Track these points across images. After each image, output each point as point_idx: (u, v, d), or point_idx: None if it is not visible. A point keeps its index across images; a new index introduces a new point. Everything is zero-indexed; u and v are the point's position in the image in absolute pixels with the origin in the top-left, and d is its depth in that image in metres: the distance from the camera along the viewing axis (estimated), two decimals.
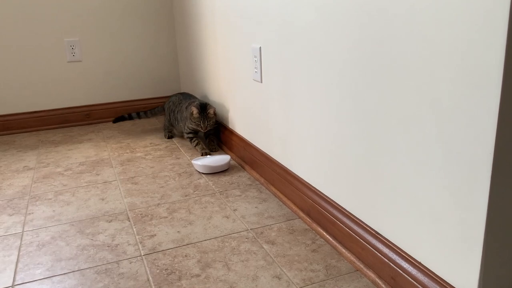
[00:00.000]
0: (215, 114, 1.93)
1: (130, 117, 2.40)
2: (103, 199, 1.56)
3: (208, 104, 1.94)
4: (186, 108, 2.00)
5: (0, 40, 2.31)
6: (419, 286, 0.90)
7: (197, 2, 2.12)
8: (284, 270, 1.11)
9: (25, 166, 1.91)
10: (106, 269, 1.15)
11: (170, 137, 2.21)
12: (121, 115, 2.43)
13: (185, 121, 1.99)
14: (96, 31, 2.49)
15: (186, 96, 2.15)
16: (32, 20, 2.35)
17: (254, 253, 1.19)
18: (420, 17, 0.81)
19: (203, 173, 1.75)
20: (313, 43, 1.19)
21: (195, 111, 1.89)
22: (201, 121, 1.89)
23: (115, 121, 2.45)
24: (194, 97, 2.15)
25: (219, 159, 1.78)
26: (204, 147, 1.96)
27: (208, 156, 1.84)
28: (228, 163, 1.78)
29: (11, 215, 1.46)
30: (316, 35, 1.16)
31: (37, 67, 2.42)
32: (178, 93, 2.21)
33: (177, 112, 2.08)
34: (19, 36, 2.34)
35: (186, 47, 2.47)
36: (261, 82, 1.54)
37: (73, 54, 2.47)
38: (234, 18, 1.70)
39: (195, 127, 1.94)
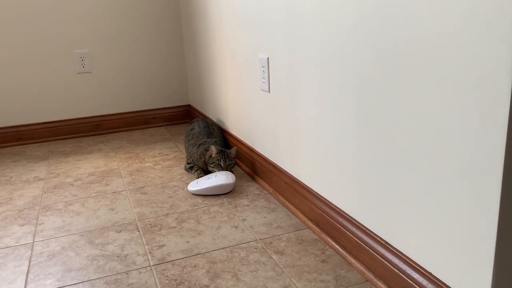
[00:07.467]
0: (236, 154, 1.78)
1: None
2: (112, 209, 1.56)
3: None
4: (198, 146, 1.87)
5: (10, 52, 2.35)
6: None
7: (205, 13, 2.14)
8: (294, 281, 1.10)
9: (36, 177, 1.93)
10: (115, 279, 1.15)
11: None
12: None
13: (192, 155, 1.88)
14: (106, 43, 2.52)
15: (206, 130, 1.99)
16: (42, 32, 2.39)
17: (263, 263, 1.19)
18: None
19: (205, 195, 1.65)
20: (320, 53, 1.19)
21: (214, 151, 1.74)
22: (221, 160, 1.73)
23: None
24: (212, 134, 1.99)
25: (224, 178, 1.65)
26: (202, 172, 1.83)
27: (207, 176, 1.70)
28: (234, 183, 1.66)
29: (22, 226, 1.47)
30: (323, 44, 1.17)
31: (48, 79, 2.45)
32: (203, 121, 2.05)
33: (190, 145, 1.96)
34: (30, 48, 2.38)
35: (194, 58, 2.49)
36: (269, 92, 1.55)
37: (83, 65, 2.50)
38: (241, 29, 1.72)
39: (214, 167, 1.75)
